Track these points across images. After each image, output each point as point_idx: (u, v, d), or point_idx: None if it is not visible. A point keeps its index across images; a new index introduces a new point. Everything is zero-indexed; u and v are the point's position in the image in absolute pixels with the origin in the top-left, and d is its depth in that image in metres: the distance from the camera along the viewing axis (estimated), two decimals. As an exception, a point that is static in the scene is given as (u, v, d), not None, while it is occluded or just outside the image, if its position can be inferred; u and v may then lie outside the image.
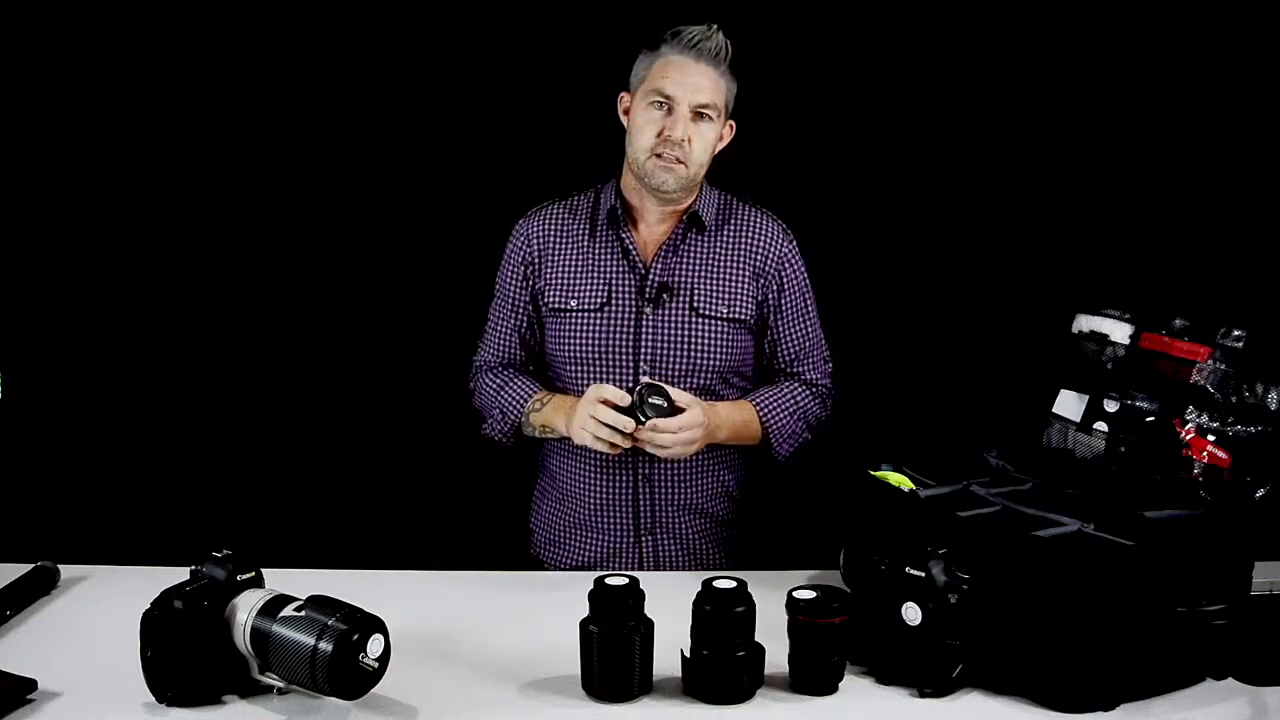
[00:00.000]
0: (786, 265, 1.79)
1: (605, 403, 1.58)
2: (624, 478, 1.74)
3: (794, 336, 1.81)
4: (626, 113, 1.74)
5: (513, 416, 1.76)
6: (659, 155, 1.66)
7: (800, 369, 1.82)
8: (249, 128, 2.22)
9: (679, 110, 1.66)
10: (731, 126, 1.75)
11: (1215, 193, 2.14)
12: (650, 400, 1.58)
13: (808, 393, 1.80)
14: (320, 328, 2.27)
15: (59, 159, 2.21)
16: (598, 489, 1.75)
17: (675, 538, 1.77)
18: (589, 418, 1.58)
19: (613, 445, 1.59)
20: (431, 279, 2.21)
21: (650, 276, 1.73)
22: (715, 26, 1.67)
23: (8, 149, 2.19)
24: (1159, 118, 2.15)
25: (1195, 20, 2.12)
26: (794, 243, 1.81)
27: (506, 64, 2.20)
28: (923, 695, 1.20)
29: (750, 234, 1.78)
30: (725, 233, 1.78)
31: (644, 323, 1.72)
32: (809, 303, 1.82)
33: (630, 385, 1.61)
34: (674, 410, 1.59)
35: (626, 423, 1.57)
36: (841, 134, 2.22)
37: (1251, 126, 2.13)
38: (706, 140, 1.68)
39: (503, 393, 1.78)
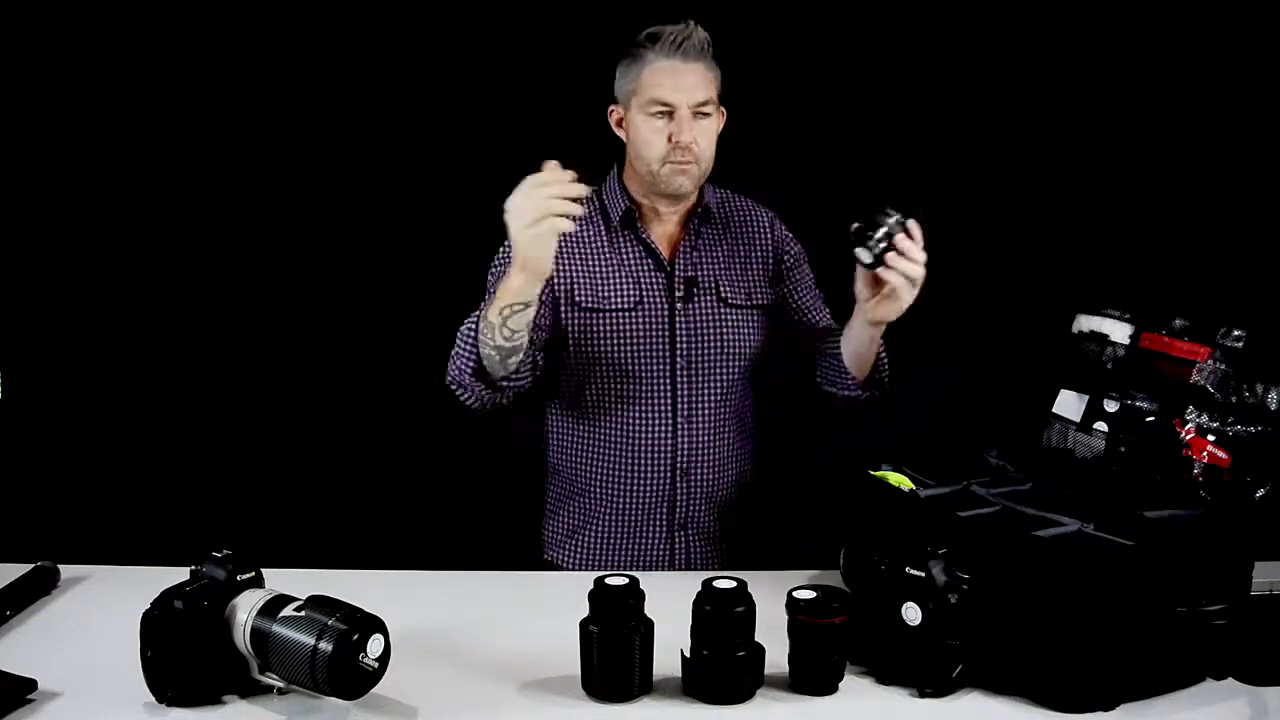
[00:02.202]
0: (787, 245, 1.83)
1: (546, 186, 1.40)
2: (662, 476, 1.74)
3: (817, 303, 1.82)
4: (620, 124, 1.74)
5: (468, 335, 1.57)
6: (672, 161, 1.67)
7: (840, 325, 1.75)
8: (250, 129, 2.22)
9: (680, 114, 1.66)
10: (723, 112, 1.75)
11: (1215, 193, 2.14)
12: (877, 220, 1.43)
13: None
14: (320, 328, 2.27)
15: (59, 159, 2.21)
16: (635, 490, 1.75)
17: (703, 533, 1.77)
18: (540, 197, 1.38)
19: (559, 217, 1.39)
20: (432, 278, 2.21)
21: (676, 273, 1.74)
22: (693, 23, 1.67)
23: (8, 149, 2.19)
24: (1159, 118, 2.15)
25: (1195, 20, 2.12)
26: (784, 227, 1.84)
27: (502, 63, 2.20)
28: (923, 695, 1.20)
29: (754, 221, 1.82)
30: (733, 224, 1.81)
31: (677, 319, 1.73)
32: (811, 278, 1.85)
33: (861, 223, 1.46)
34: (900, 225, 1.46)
35: (568, 174, 1.39)
36: (842, 134, 2.22)
37: (1251, 126, 2.13)
38: (710, 135, 1.70)
39: (464, 325, 1.60)
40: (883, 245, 1.47)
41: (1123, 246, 2.15)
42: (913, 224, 1.49)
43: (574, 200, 1.40)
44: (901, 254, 1.48)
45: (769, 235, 1.82)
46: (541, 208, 1.39)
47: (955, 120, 2.22)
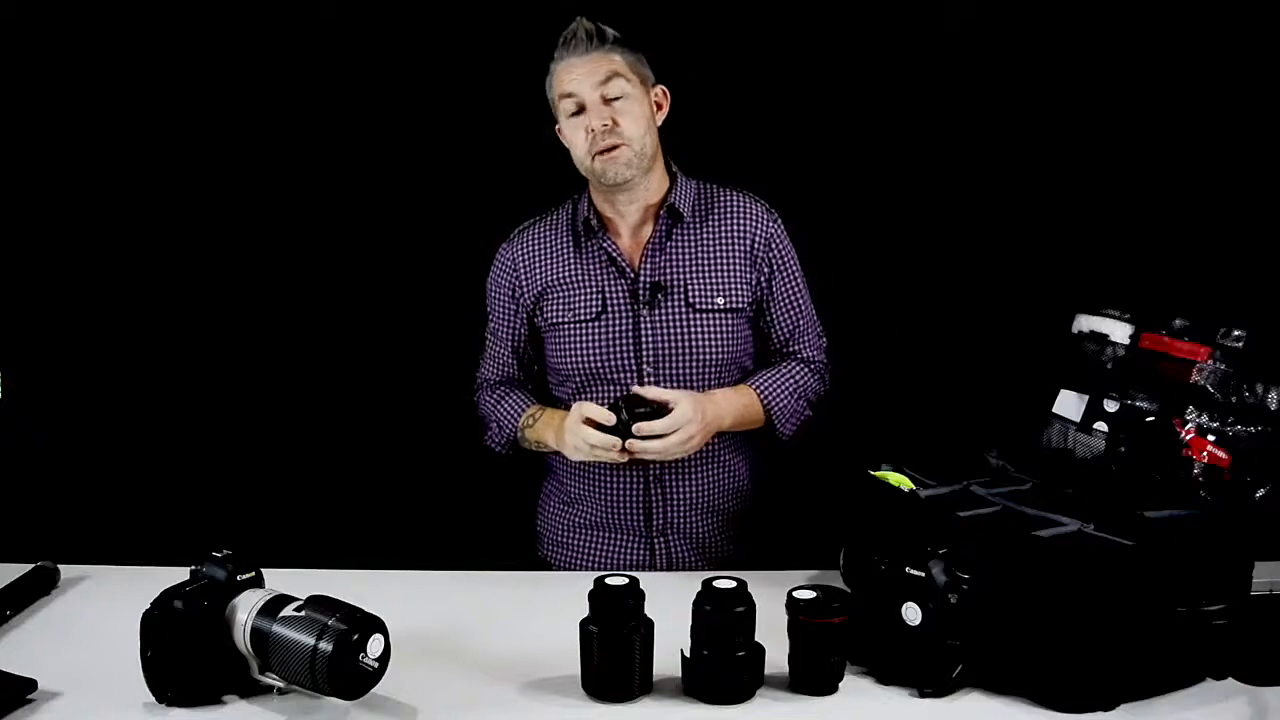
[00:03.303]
0: (774, 244, 1.77)
1: (589, 422, 1.57)
2: (635, 479, 1.74)
3: (788, 316, 1.79)
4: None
5: (509, 431, 1.80)
6: (599, 152, 1.68)
7: (796, 347, 1.81)
8: (250, 129, 2.22)
9: (589, 101, 1.68)
10: (664, 92, 1.76)
11: (1215, 193, 2.14)
12: (635, 410, 1.57)
13: (805, 370, 1.80)
14: (320, 328, 2.27)
15: (59, 159, 2.21)
16: (609, 491, 1.75)
17: (687, 537, 1.76)
18: (580, 440, 1.59)
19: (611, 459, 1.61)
20: (431, 278, 2.21)
21: (641, 279, 1.73)
22: (579, 18, 1.70)
23: (8, 149, 2.19)
24: (1159, 118, 2.15)
25: (1195, 20, 2.12)
26: (779, 220, 1.80)
27: (503, 69, 2.20)
28: (923, 695, 1.20)
29: (736, 218, 1.77)
30: (710, 222, 1.77)
31: (642, 326, 1.72)
32: (800, 280, 1.81)
33: (615, 400, 1.60)
34: (660, 411, 1.57)
35: (614, 442, 1.57)
36: (841, 134, 2.22)
37: (1251, 126, 2.13)
38: (633, 114, 1.69)
39: (499, 408, 1.81)
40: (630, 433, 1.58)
41: (1123, 246, 2.14)
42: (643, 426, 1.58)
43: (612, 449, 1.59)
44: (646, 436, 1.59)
45: (755, 230, 1.76)
46: (583, 452, 1.61)
47: (956, 120, 2.22)
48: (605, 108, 1.67)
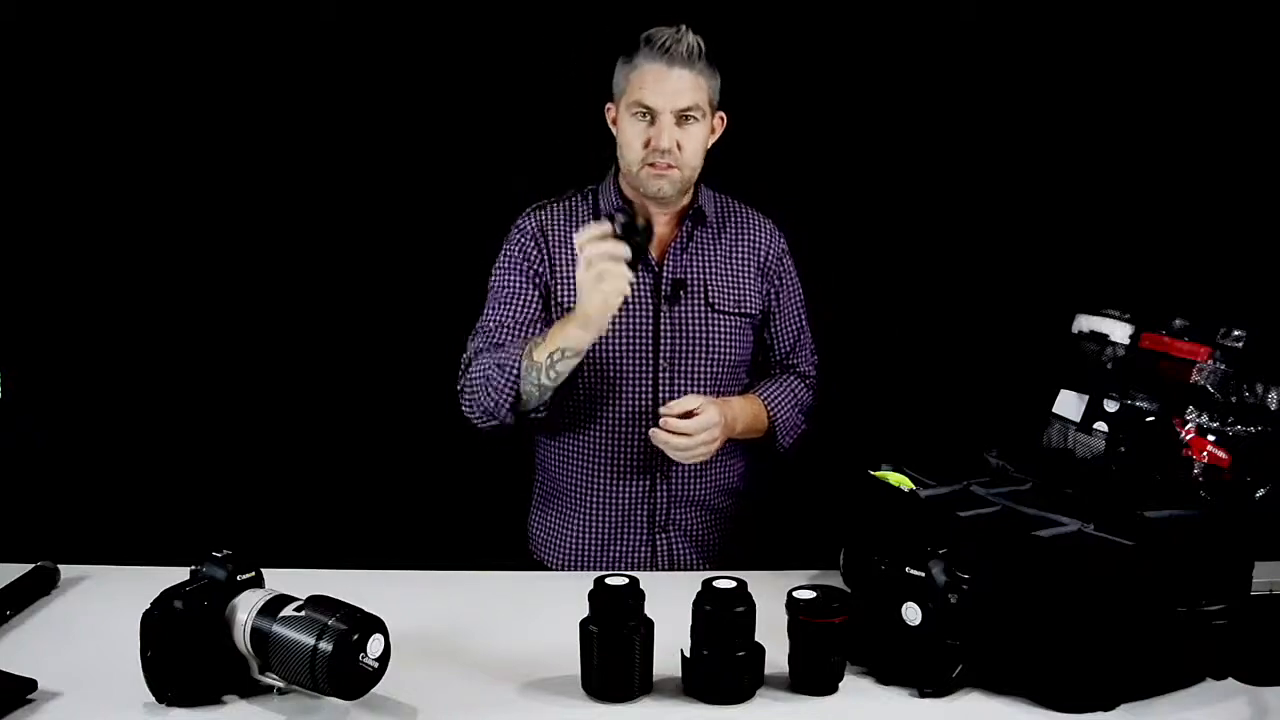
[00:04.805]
0: (783, 261, 1.84)
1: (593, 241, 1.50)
2: (642, 478, 1.74)
3: (790, 331, 1.85)
4: (614, 122, 1.74)
5: (510, 371, 1.60)
6: (651, 165, 1.67)
7: (794, 361, 1.86)
8: (249, 129, 2.23)
9: (662, 119, 1.65)
10: (722, 118, 1.75)
11: (1215, 193, 2.14)
12: (631, 224, 1.50)
13: (802, 384, 1.85)
14: (320, 328, 2.27)
15: (59, 159, 2.21)
16: (614, 491, 1.75)
17: (687, 534, 1.77)
18: (595, 255, 1.48)
19: (619, 281, 1.50)
20: (431, 278, 2.21)
21: (664, 275, 1.74)
22: (685, 27, 1.66)
23: (8, 149, 2.20)
24: (1159, 118, 2.15)
25: (1195, 20, 2.12)
26: (784, 240, 1.85)
27: (502, 64, 2.20)
28: (923, 695, 1.20)
29: (751, 232, 1.82)
30: (728, 230, 1.80)
31: (662, 320, 1.72)
32: (801, 298, 1.87)
33: (609, 214, 1.53)
34: (648, 229, 1.54)
35: (624, 249, 1.49)
36: (842, 134, 2.22)
37: (1251, 126, 2.13)
38: (696, 141, 1.69)
39: (497, 356, 1.64)
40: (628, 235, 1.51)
41: (1123, 246, 2.15)
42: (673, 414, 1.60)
43: (623, 259, 1.49)
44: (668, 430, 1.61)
45: (767, 245, 1.81)
46: (599, 272, 1.48)
47: (956, 121, 2.22)
48: (676, 128, 1.66)
